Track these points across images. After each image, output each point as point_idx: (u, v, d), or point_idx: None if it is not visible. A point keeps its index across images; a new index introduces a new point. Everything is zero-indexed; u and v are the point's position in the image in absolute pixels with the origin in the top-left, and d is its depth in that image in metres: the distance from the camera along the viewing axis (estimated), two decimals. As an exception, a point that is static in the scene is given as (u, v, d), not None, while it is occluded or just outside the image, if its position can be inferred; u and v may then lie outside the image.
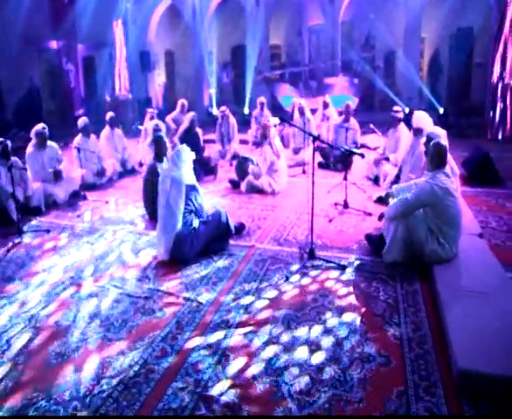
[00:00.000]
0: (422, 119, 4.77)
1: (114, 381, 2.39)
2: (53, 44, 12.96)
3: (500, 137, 8.14)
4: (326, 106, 7.81)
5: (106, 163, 6.57)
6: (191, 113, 6.76)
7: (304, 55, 12.40)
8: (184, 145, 4.00)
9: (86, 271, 3.75)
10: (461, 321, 2.55)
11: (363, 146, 6.60)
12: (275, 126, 5.83)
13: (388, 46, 11.31)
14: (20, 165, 5.11)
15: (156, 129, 5.97)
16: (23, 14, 10.84)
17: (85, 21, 12.07)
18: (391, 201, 3.58)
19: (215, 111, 11.91)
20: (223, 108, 7.73)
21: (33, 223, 5.04)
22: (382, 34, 11.06)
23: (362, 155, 3.92)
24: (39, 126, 5.66)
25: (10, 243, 4.34)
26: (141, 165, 7.26)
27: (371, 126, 5.84)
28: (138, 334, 2.80)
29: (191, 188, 3.84)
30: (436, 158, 3.28)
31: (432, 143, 3.37)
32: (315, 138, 3.52)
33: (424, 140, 4.45)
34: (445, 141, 3.87)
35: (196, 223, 3.77)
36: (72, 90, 13.35)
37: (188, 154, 3.87)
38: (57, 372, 2.49)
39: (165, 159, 4.70)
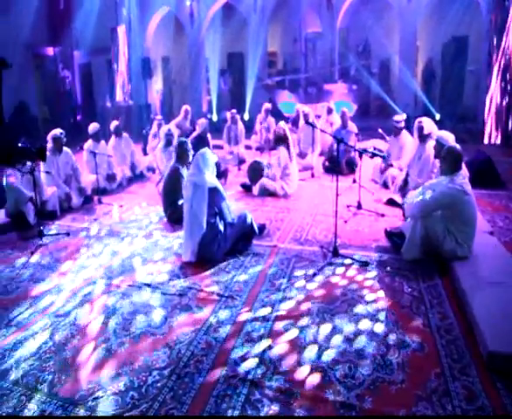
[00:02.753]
0: (431, 125, 5.03)
1: (166, 372, 2.50)
2: (50, 51, 12.99)
3: (496, 142, 8.52)
4: (330, 111, 8.06)
5: (115, 168, 6.65)
6: (204, 120, 6.91)
7: (301, 62, 12.70)
8: (206, 148, 4.15)
9: (114, 271, 3.84)
10: (486, 308, 2.76)
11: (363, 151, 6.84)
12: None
13: (384, 53, 11.69)
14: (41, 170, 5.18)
15: (169, 134, 6.09)
16: (20, 21, 10.87)
17: (82, 27, 12.14)
18: (409, 200, 3.78)
19: (214, 117, 12.08)
20: (233, 111, 7.90)
21: (51, 227, 5.10)
22: (378, 41, 11.43)
23: (383, 157, 4.13)
24: (57, 131, 5.73)
25: (34, 247, 4.39)
26: (149, 170, 7.36)
27: (380, 130, 6.07)
28: (180, 329, 2.92)
29: (214, 191, 3.90)
30: (453, 162, 3.48)
31: (447, 148, 3.58)
32: (339, 141, 3.71)
33: (432, 143, 4.70)
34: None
35: (221, 225, 3.88)
36: (68, 96, 13.36)
37: (211, 157, 4.00)
38: (106, 365, 2.59)
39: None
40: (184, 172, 4.86)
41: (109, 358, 2.66)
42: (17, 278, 3.81)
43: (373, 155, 3.87)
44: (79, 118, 12.71)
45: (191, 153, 4.83)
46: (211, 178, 3.86)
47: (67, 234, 4.76)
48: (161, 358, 2.63)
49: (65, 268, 3.95)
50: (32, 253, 4.29)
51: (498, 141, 8.53)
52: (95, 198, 5.90)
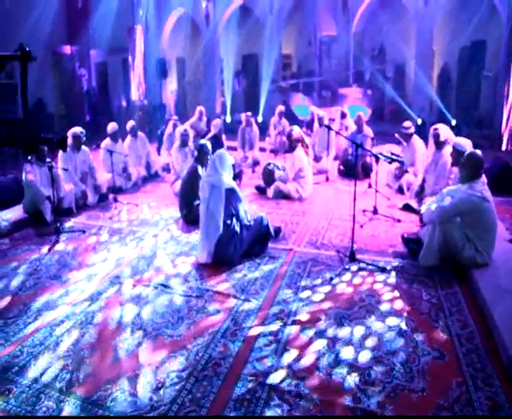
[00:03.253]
0: (447, 131, 4.97)
1: (184, 375, 2.50)
2: (67, 49, 13.15)
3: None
4: (344, 116, 8.00)
5: (131, 168, 6.70)
6: (219, 121, 6.93)
7: (315, 65, 12.66)
8: (223, 149, 4.16)
9: (131, 271, 3.86)
10: (508, 318, 2.70)
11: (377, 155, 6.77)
12: None
13: (399, 58, 11.58)
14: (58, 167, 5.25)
15: (184, 134, 6.12)
16: (40, 19, 11.02)
17: (98, 27, 12.26)
18: (425, 207, 3.73)
19: (228, 118, 12.11)
20: (248, 114, 7.90)
21: (67, 224, 5.15)
22: (393, 45, 11.34)
23: (402, 163, 4.09)
24: (77, 129, 5.80)
25: (51, 243, 4.44)
26: (163, 170, 7.40)
27: (397, 135, 6.02)
28: (197, 331, 2.91)
29: (231, 192, 3.89)
30: (472, 169, 3.43)
31: (467, 154, 3.52)
32: (358, 146, 3.69)
33: (449, 149, 4.64)
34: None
35: (237, 227, 3.87)
36: (84, 94, 13.51)
37: (228, 158, 4.00)
38: (124, 365, 2.60)
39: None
40: (202, 172, 4.89)
41: (126, 358, 2.66)
42: (35, 274, 3.86)
43: (392, 161, 3.83)
44: (95, 116, 12.83)
45: (210, 155, 4.87)
46: (228, 179, 3.86)
47: (83, 231, 4.81)
48: (178, 360, 2.63)
49: (82, 266, 3.98)
50: (49, 250, 4.34)
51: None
52: (111, 196, 5.94)
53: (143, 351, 2.73)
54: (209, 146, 4.95)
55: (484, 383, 2.35)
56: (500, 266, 3.44)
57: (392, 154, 4.29)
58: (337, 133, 4.95)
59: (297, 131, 5.72)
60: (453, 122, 9.30)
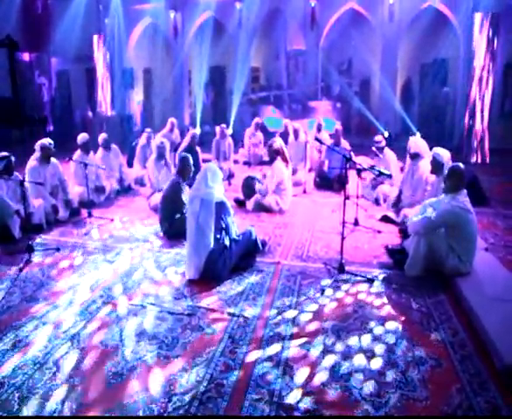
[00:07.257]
0: (419, 143, 5.19)
1: (187, 398, 2.40)
2: (25, 56, 12.54)
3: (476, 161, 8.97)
4: (320, 128, 8.14)
5: (104, 181, 6.43)
6: (192, 131, 6.83)
7: (282, 79, 12.89)
8: (212, 162, 4.10)
9: (114, 289, 3.68)
10: (497, 324, 2.84)
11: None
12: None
13: (365, 72, 12.05)
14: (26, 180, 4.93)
15: (161, 147, 5.97)
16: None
17: (61, 34, 11.81)
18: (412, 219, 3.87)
19: (198, 130, 11.99)
20: (223, 126, 7.85)
21: (38, 240, 4.84)
22: (360, 60, 11.79)
23: (389, 176, 4.22)
24: (45, 140, 5.48)
25: (23, 263, 4.15)
26: (136, 183, 7.18)
27: (374, 148, 6.22)
28: (194, 351, 2.82)
29: (221, 205, 3.85)
30: (455, 181, 3.60)
31: (451, 167, 3.69)
32: (348, 159, 3.77)
33: (425, 163, 4.87)
34: (450, 162, 4.27)
35: (227, 241, 3.82)
36: (44, 104, 12.90)
37: (219, 172, 3.96)
38: (120, 392, 2.46)
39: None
40: (184, 186, 4.80)
41: (122, 384, 2.52)
42: (8, 296, 3.58)
43: (380, 174, 3.95)
44: (57, 126, 12.28)
45: (192, 168, 4.80)
46: (218, 192, 3.82)
47: (57, 249, 4.54)
48: (178, 382, 2.53)
49: (60, 286, 3.75)
50: (21, 270, 4.05)
51: (474, 160, 8.96)
52: (84, 211, 5.67)
53: (139, 375, 2.59)
54: (191, 159, 4.86)
55: (481, 388, 2.44)
56: (480, 274, 3.62)
57: (373, 166, 4.42)
58: (329, 147, 5.01)
59: (278, 143, 5.76)
60: (418, 134, 9.78)
